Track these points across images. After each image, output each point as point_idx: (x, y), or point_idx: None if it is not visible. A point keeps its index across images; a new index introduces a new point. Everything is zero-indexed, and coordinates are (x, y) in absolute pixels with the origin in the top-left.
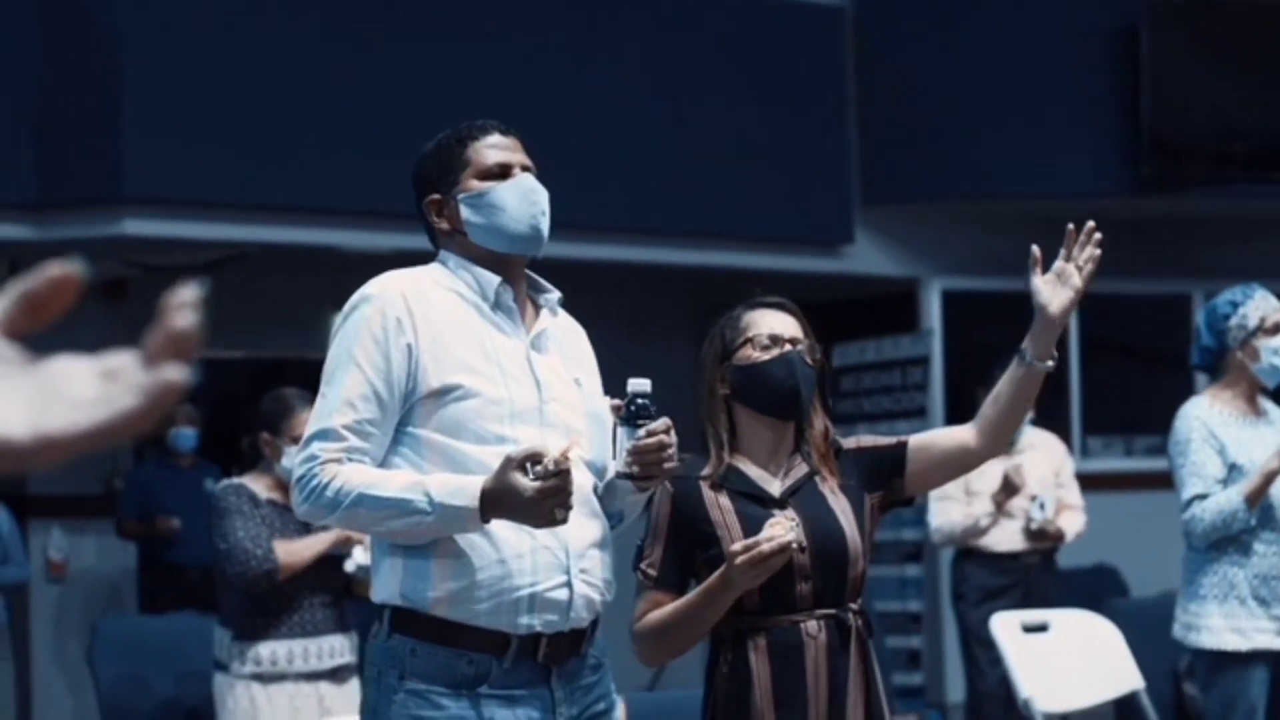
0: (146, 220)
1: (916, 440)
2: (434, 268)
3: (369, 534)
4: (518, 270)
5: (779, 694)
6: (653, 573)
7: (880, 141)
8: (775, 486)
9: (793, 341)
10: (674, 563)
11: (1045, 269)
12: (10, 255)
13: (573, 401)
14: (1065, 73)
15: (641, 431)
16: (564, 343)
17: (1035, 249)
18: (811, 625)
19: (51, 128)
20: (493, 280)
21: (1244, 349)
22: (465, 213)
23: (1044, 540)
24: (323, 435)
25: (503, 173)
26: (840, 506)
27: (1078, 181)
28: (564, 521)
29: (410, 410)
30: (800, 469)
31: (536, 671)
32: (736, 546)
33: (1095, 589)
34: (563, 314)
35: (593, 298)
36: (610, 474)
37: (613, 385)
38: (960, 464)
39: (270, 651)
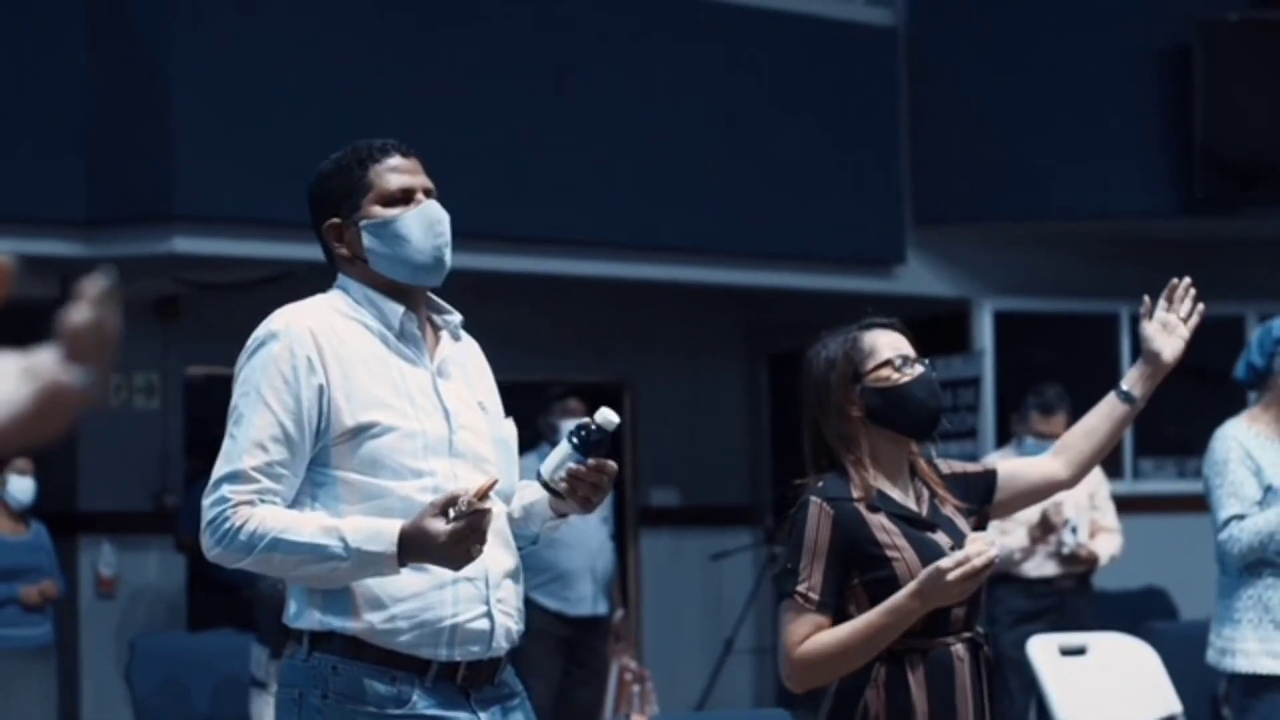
0: (196, 238)
1: (1005, 469)
2: (336, 296)
3: (285, 578)
4: (420, 296)
5: (935, 716)
6: (815, 596)
7: (932, 162)
8: (914, 508)
9: (918, 361)
10: (833, 586)
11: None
12: (62, 272)
13: (480, 429)
14: (1118, 93)
15: (591, 461)
16: (466, 365)
17: (1146, 299)
18: (959, 648)
19: (102, 145)
20: (397, 310)
21: None
22: (367, 241)
23: (1077, 564)
24: (233, 477)
25: (405, 198)
26: (965, 529)
27: (1130, 202)
28: (478, 557)
29: (325, 450)
30: (923, 491)
31: (457, 694)
32: (946, 563)
33: (1144, 612)
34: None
35: (648, 316)
36: (520, 499)
37: (663, 405)
38: (1044, 495)
39: None
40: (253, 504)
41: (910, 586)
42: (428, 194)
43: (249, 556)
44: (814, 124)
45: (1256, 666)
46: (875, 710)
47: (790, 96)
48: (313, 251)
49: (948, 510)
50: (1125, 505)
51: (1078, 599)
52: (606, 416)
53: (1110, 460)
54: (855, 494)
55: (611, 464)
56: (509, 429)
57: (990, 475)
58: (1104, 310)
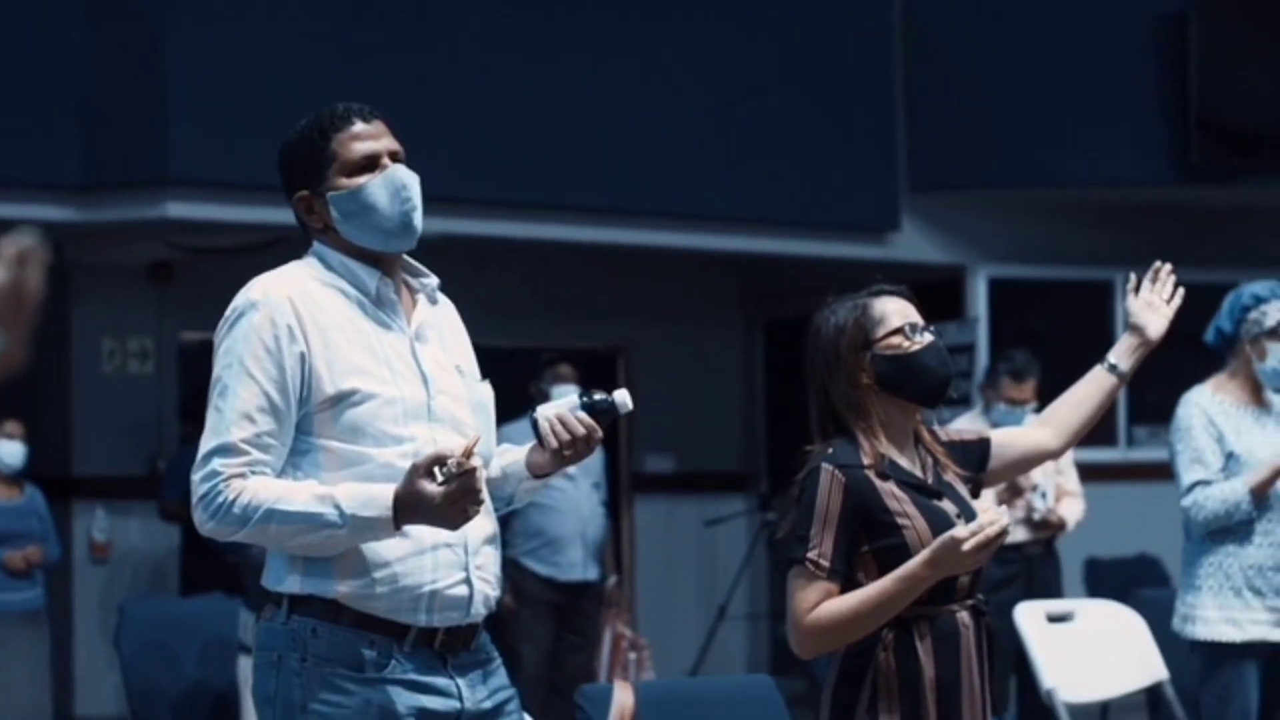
0: (190, 203)
1: (998, 438)
2: (312, 264)
3: (281, 549)
4: (395, 261)
5: (941, 679)
6: (825, 563)
7: (927, 129)
8: (921, 475)
9: (927, 329)
10: (843, 553)
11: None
12: (56, 237)
13: (458, 393)
14: (1114, 60)
15: (582, 413)
16: (442, 328)
17: (1133, 276)
18: (964, 615)
19: (96, 110)
20: (373, 277)
21: (1254, 344)
22: (335, 212)
23: (1046, 530)
24: (222, 450)
25: (370, 165)
26: (966, 496)
27: (1126, 169)
28: (474, 516)
29: (306, 417)
30: (927, 459)
31: (434, 659)
32: (962, 531)
33: (1137, 579)
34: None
35: (643, 282)
36: (498, 461)
37: (658, 372)
38: (1033, 464)
39: None
40: (244, 476)
41: (923, 555)
42: (394, 157)
43: (244, 529)
44: (810, 91)
45: (1216, 634)
46: (885, 676)
47: (786, 63)
48: None
49: (949, 477)
50: (1119, 473)
51: (1046, 565)
52: (624, 399)
53: (1104, 428)
54: (866, 461)
55: (598, 429)
56: (486, 392)
57: (985, 443)
58: (1099, 277)
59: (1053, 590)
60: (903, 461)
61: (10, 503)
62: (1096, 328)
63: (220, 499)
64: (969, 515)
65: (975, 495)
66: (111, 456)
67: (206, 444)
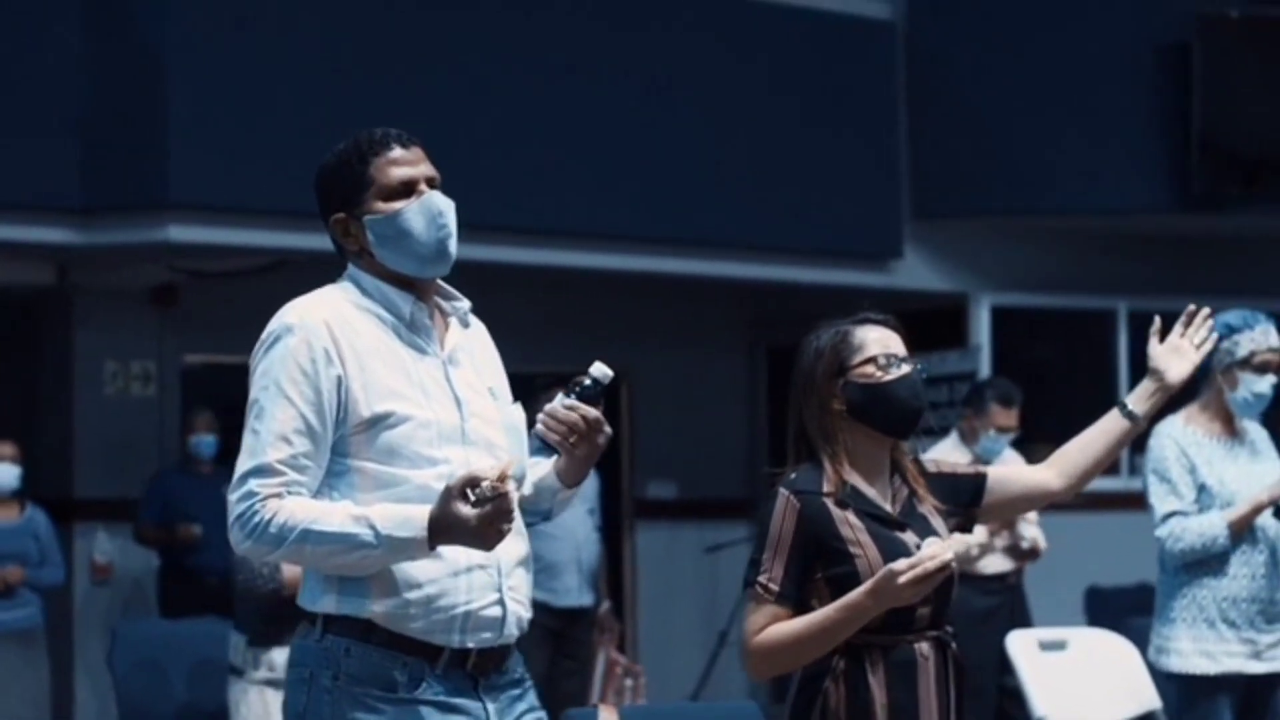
0: (191, 226)
1: (996, 474)
2: (346, 288)
3: (316, 569)
4: (429, 285)
5: (895, 712)
6: (775, 588)
7: (930, 156)
8: (888, 506)
9: (905, 360)
10: (795, 578)
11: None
12: (58, 259)
13: (491, 415)
14: (1116, 88)
15: (568, 401)
16: (475, 351)
17: (1157, 319)
18: (924, 646)
19: (97, 133)
20: (407, 301)
21: (1226, 374)
22: (372, 236)
23: (1029, 558)
24: (259, 471)
25: (406, 190)
26: (940, 529)
27: (1128, 197)
28: (508, 534)
29: (342, 440)
30: (902, 490)
31: (465, 681)
32: (900, 565)
33: (1137, 608)
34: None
35: (645, 309)
36: (529, 477)
37: (660, 398)
38: (1034, 503)
39: (284, 658)
40: (280, 496)
41: (866, 585)
42: (430, 184)
43: (279, 549)
44: (812, 118)
45: (1190, 666)
46: (834, 705)
47: (789, 90)
48: (308, 240)
49: (925, 510)
50: (1120, 502)
51: (1021, 594)
52: (602, 370)
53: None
54: (827, 488)
55: (591, 411)
56: (518, 414)
57: (980, 478)
58: (1101, 306)
59: (1029, 621)
60: (869, 491)
61: (3, 523)
62: (1098, 356)
63: (257, 519)
64: None
65: (967, 529)
66: (113, 479)
67: (243, 465)
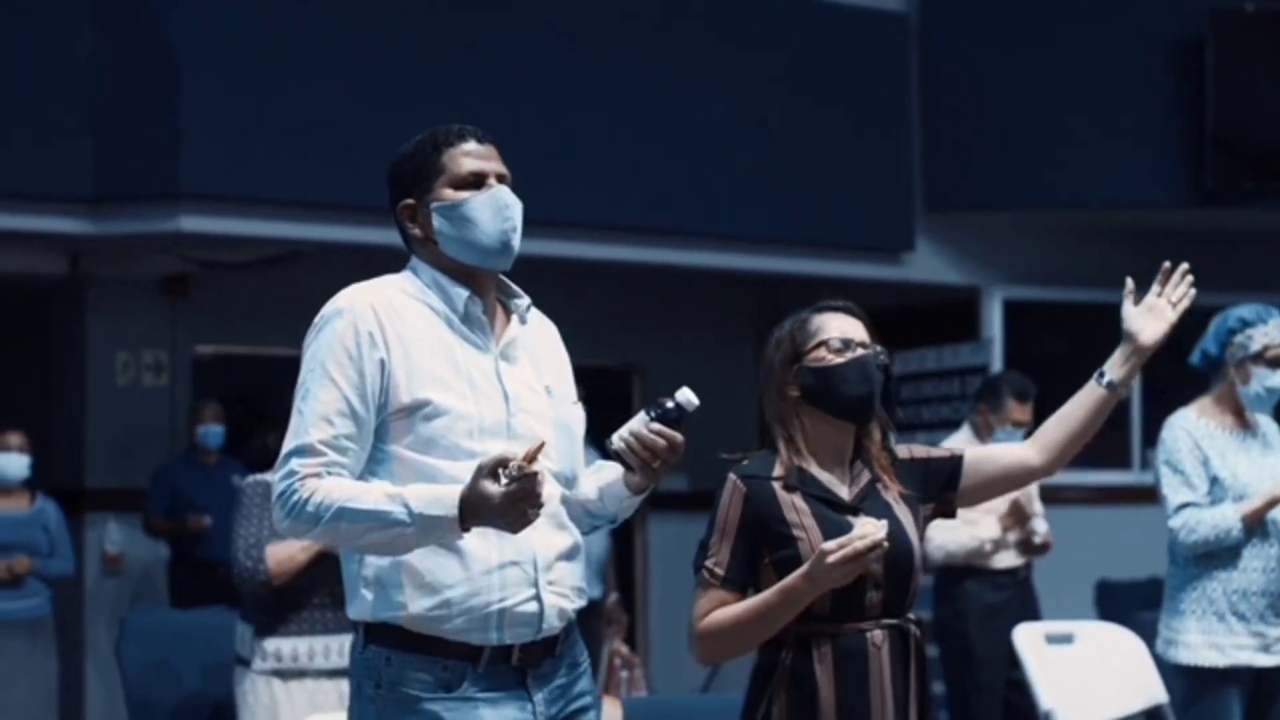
0: (203, 217)
1: (973, 455)
2: (404, 277)
3: (351, 547)
4: (488, 279)
5: (843, 702)
6: (720, 571)
7: (943, 149)
8: (844, 491)
9: (863, 345)
10: (741, 562)
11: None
12: (70, 249)
13: (541, 412)
14: (1130, 82)
15: (655, 425)
16: (535, 348)
17: (1129, 281)
18: (877, 634)
19: (109, 123)
20: (462, 294)
21: (1239, 368)
22: (437, 222)
23: (1036, 553)
24: (301, 451)
25: (477, 182)
26: (904, 515)
27: (1141, 192)
28: (535, 519)
29: (383, 425)
30: (864, 476)
31: (512, 675)
32: (830, 545)
33: (1149, 602)
34: (535, 315)
35: (656, 301)
36: (596, 480)
37: (671, 388)
38: (1017, 482)
39: (291, 648)
40: (319, 476)
41: (802, 568)
42: (500, 180)
43: (317, 528)
44: (825, 110)
45: (1199, 658)
46: (782, 692)
47: (802, 83)
48: (319, 231)
49: (890, 496)
50: (1133, 496)
51: (1030, 588)
52: (687, 397)
53: (1118, 451)
54: (777, 472)
55: (677, 435)
56: (574, 413)
57: (956, 461)
58: (1114, 300)
59: (1039, 614)
60: (823, 476)
61: (13, 513)
62: (1110, 350)
63: (295, 498)
64: (892, 535)
65: (949, 514)
66: (124, 469)
67: (287, 445)
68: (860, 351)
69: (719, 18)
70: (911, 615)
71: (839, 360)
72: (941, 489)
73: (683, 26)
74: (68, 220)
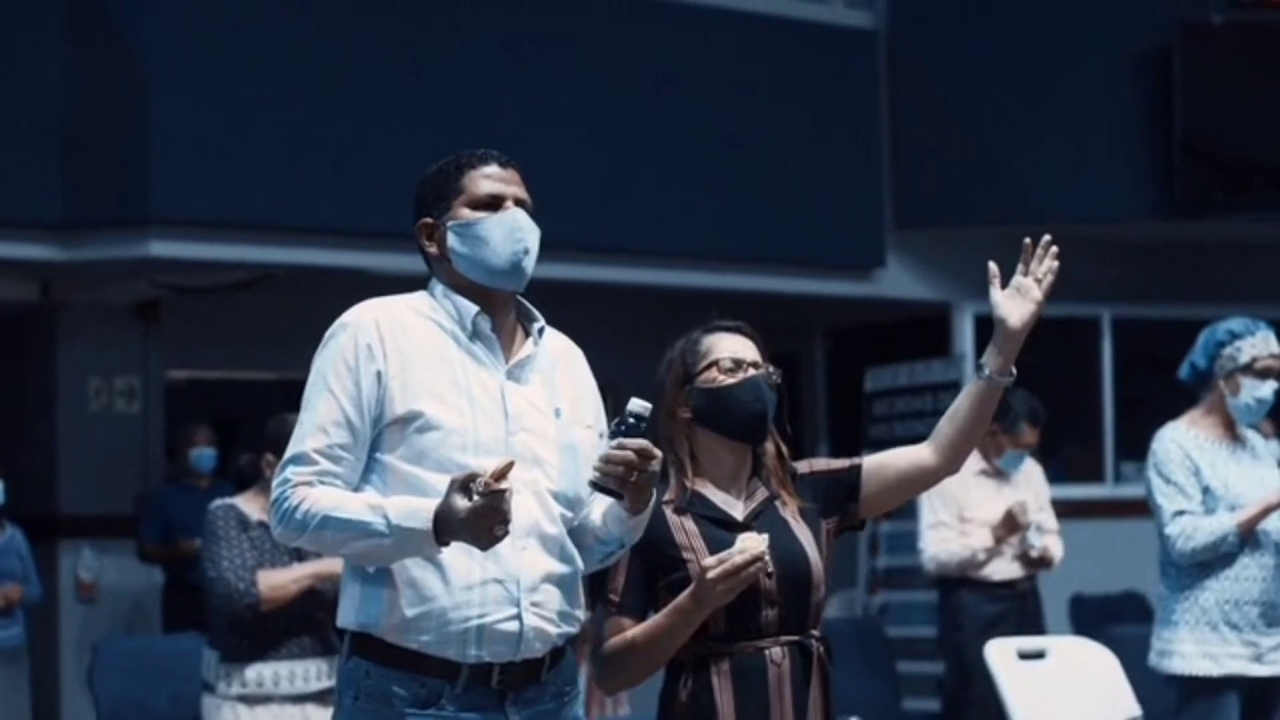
0: (172, 242)
1: (870, 463)
2: (419, 295)
3: (336, 556)
4: (501, 300)
5: (742, 719)
6: (615, 598)
7: (912, 165)
8: (738, 510)
9: (754, 365)
10: (637, 588)
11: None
12: (41, 275)
13: (544, 432)
14: (1099, 95)
15: (614, 442)
16: (552, 371)
17: (993, 265)
18: (776, 651)
19: (79, 149)
20: (470, 310)
21: (1228, 380)
22: (451, 240)
23: (1040, 567)
24: (296, 460)
25: (494, 204)
26: (802, 531)
27: (1111, 205)
28: (504, 537)
29: (379, 435)
30: (760, 493)
31: (491, 698)
32: (709, 561)
33: (1123, 616)
34: (560, 340)
35: (625, 318)
36: (599, 506)
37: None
38: (917, 484)
39: (256, 674)
40: (311, 484)
41: (689, 588)
42: (519, 204)
43: (304, 534)
44: (794, 127)
45: (1193, 668)
46: (678, 712)
47: (770, 99)
48: (289, 254)
49: (787, 513)
50: (1107, 510)
51: (1034, 602)
52: (638, 405)
53: (1092, 465)
54: (668, 496)
55: (637, 442)
56: (584, 437)
57: (855, 471)
58: (1085, 314)
59: (1041, 628)
60: (719, 496)
61: None
62: (1082, 364)
63: (287, 504)
64: (787, 552)
65: (857, 527)
66: (98, 495)
67: (286, 454)
68: (752, 372)
69: (686, 34)
70: (815, 632)
71: (730, 381)
72: (844, 500)
73: (650, 43)
74: (38, 247)
